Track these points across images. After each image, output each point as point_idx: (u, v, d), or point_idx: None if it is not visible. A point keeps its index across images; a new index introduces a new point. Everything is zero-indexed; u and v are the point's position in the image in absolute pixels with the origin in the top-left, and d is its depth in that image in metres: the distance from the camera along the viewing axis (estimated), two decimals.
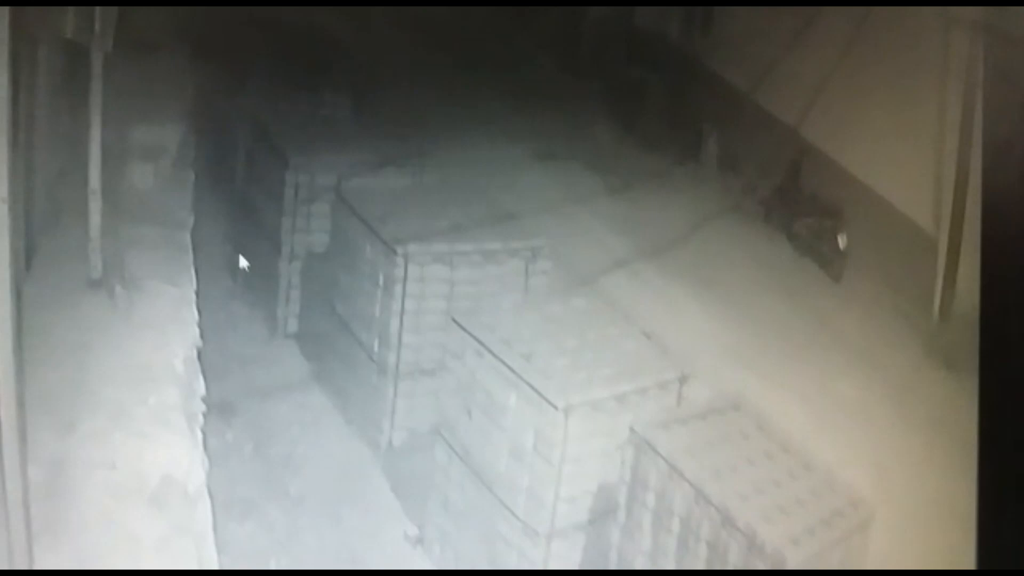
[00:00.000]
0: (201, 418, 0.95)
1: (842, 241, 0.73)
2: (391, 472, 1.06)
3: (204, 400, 0.96)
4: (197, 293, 0.96)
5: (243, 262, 1.04)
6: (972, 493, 0.68)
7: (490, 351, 1.01)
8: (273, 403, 1.06)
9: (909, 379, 0.69)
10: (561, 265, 0.83)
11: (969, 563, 0.68)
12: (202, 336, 0.96)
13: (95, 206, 0.96)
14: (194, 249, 1.01)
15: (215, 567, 0.81)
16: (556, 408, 0.92)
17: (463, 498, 1.01)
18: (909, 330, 0.70)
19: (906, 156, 0.71)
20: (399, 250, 1.07)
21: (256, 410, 1.02)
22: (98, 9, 0.83)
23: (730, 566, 0.81)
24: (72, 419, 0.87)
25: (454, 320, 1.05)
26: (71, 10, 0.85)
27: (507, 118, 0.83)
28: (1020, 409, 0.68)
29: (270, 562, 0.86)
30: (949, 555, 0.70)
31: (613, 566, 0.85)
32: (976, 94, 0.73)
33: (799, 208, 0.77)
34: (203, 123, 1.05)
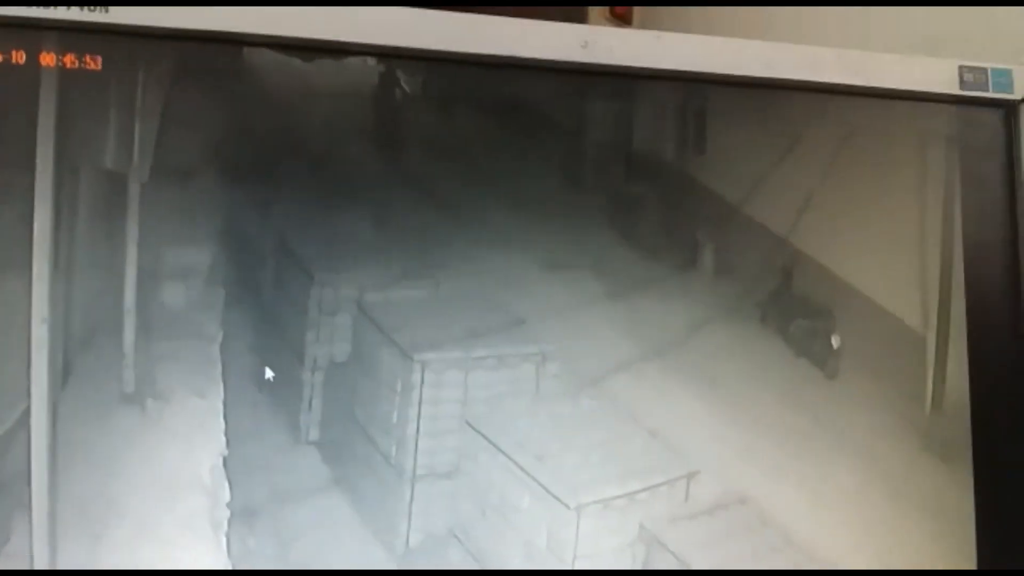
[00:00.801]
0: (225, 524, 0.98)
1: (835, 341, 0.76)
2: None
3: (228, 506, 1.00)
4: (224, 403, 1.01)
5: (268, 373, 1.08)
6: None
7: (503, 452, 1.05)
8: (294, 507, 1.09)
9: (906, 469, 0.71)
10: (569, 368, 0.87)
11: None
12: (228, 445, 1.00)
13: (129, 324, 1.02)
14: (222, 362, 1.06)
15: None
16: (568, 507, 0.95)
17: None
18: (903, 423, 0.72)
19: (892, 259, 0.74)
20: (416, 357, 1.12)
21: (278, 514, 1.05)
22: (136, 143, 0.92)
23: None
24: (100, 530, 0.90)
25: (468, 423, 1.09)
26: (111, 141, 0.93)
27: (515, 230, 0.87)
28: (1014, 494, 0.71)
29: None
30: None
31: None
32: (954, 200, 0.77)
33: (793, 310, 0.80)
34: (233, 243, 1.10)
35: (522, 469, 0.85)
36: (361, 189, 0.89)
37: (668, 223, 0.82)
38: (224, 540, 0.79)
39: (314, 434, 1.01)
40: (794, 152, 0.84)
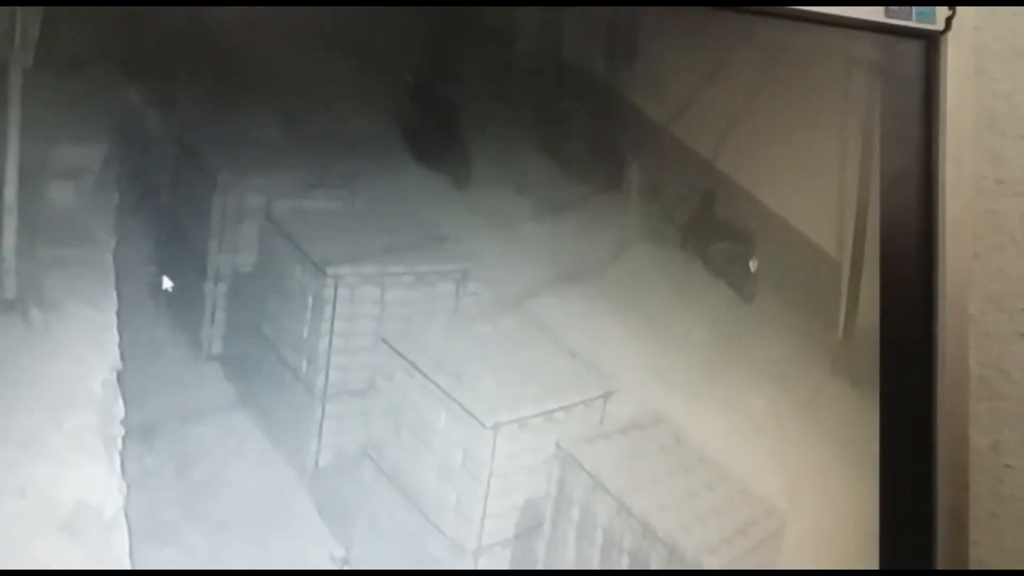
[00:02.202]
0: (120, 442, 0.96)
1: (753, 265, 0.79)
2: (317, 494, 1.08)
3: (123, 424, 0.98)
4: (118, 315, 0.98)
5: (167, 283, 1.05)
6: (875, 499, 0.77)
7: (420, 371, 1.06)
8: (195, 426, 1.07)
9: (816, 394, 0.76)
10: (490, 287, 0.88)
11: (872, 563, 0.77)
12: (122, 358, 0.97)
13: (10, 224, 0.97)
14: (116, 270, 1.02)
15: None
16: (485, 426, 0.97)
17: (390, 518, 1.05)
18: (816, 347, 0.76)
19: (812, 186, 0.78)
20: (329, 271, 1.12)
21: (178, 433, 1.04)
22: (18, 22, 0.86)
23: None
24: None
25: (384, 341, 1.09)
26: None
27: (438, 142, 0.87)
28: (918, 419, 0.77)
29: None
30: (854, 556, 0.78)
31: None
32: (875, 129, 0.81)
33: (713, 234, 0.84)
34: (129, 142, 1.06)
35: (439, 388, 0.86)
36: (273, 89, 0.87)
37: (595, 142, 0.83)
38: (118, 459, 0.78)
39: (217, 349, 1.00)
40: (721, 74, 0.86)
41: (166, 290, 1.01)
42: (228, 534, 0.84)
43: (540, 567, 0.79)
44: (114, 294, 0.86)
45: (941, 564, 0.66)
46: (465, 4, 0.75)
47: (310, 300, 0.93)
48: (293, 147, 0.96)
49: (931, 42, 0.75)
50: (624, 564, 0.76)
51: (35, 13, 0.80)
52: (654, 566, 0.75)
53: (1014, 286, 0.72)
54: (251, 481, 0.91)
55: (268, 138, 0.97)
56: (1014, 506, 0.70)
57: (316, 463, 0.94)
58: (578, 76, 0.87)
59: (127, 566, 0.75)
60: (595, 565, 0.77)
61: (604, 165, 0.85)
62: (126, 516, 0.76)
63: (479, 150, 0.89)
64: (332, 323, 0.91)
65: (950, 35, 0.71)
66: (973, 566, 0.65)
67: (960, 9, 0.71)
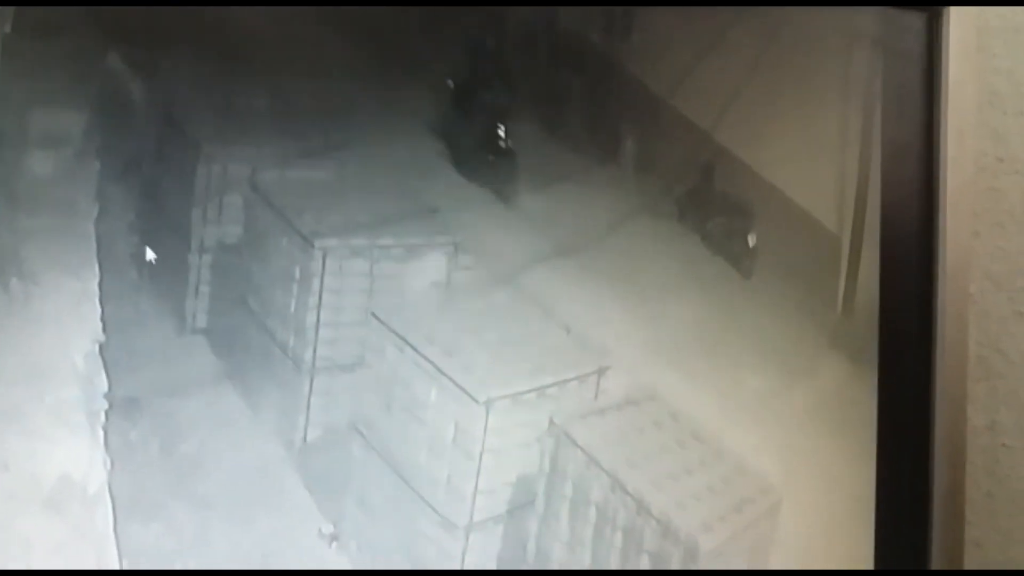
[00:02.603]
0: (103, 416, 0.95)
1: (752, 240, 0.79)
2: (305, 470, 1.08)
3: (106, 397, 0.97)
4: (100, 286, 0.97)
5: (150, 254, 1.04)
6: (871, 477, 0.77)
7: (411, 346, 1.05)
8: (181, 400, 1.06)
9: (814, 371, 0.77)
10: (483, 261, 0.87)
11: (868, 541, 0.77)
12: (105, 331, 0.96)
13: None
14: (98, 241, 1.00)
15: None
16: (477, 402, 0.97)
17: (380, 494, 1.05)
18: (814, 323, 0.77)
19: (812, 161, 0.78)
20: (317, 243, 1.10)
21: (163, 408, 1.03)
22: None
23: (644, 552, 0.88)
24: None
25: (374, 315, 1.08)
26: None
27: (429, 114, 0.85)
28: (915, 398, 0.77)
29: (176, 565, 0.88)
30: (850, 534, 0.79)
31: (531, 557, 0.91)
32: (875, 105, 0.81)
33: (712, 208, 0.83)
34: (110, 110, 1.04)
35: (431, 363, 0.86)
36: (259, 56, 0.85)
37: (592, 113, 0.83)
38: (101, 433, 0.78)
39: (202, 322, 0.99)
40: (722, 46, 0.86)
41: (149, 261, 1.00)
42: (214, 510, 0.84)
43: (532, 544, 0.79)
44: (96, 265, 0.85)
45: (937, 543, 0.66)
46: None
47: (297, 273, 0.92)
48: (280, 116, 0.95)
49: (933, 15, 0.75)
50: (617, 541, 0.76)
51: None
52: (647, 543, 0.76)
53: (1013, 265, 0.72)
54: (237, 456, 0.91)
55: (254, 107, 0.96)
56: (1010, 486, 0.71)
57: (304, 438, 0.94)
58: (576, 46, 0.86)
59: (111, 542, 0.74)
60: (588, 542, 0.77)
61: (601, 137, 0.84)
62: (110, 491, 0.75)
63: (472, 120, 0.88)
64: (320, 296, 0.91)
65: (952, 10, 0.71)
66: (968, 546, 0.65)
67: None
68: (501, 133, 0.84)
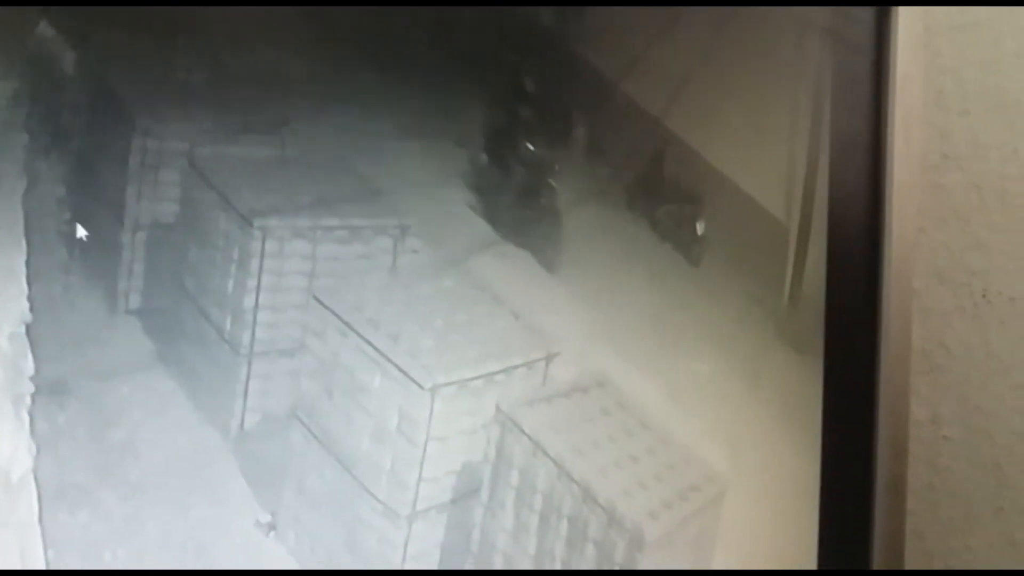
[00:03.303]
0: (29, 400, 0.92)
1: (700, 228, 0.80)
2: (242, 457, 1.06)
3: (33, 380, 0.93)
4: (27, 264, 0.93)
5: (81, 231, 1.01)
6: (816, 466, 0.79)
7: (355, 330, 1.04)
8: (112, 384, 1.04)
9: (760, 360, 0.78)
10: (430, 244, 0.86)
11: (811, 529, 0.79)
12: (32, 310, 0.93)
13: None
14: (25, 216, 0.97)
15: (40, 561, 0.81)
16: (423, 388, 0.96)
17: (320, 482, 1.04)
18: (761, 313, 0.78)
19: (761, 149, 0.79)
20: (256, 223, 1.08)
21: (92, 391, 1.00)
22: None
23: (590, 541, 0.89)
24: None
25: (316, 298, 1.07)
26: None
27: (375, 92, 0.84)
28: (860, 390, 0.79)
29: (105, 554, 0.86)
30: (794, 522, 0.81)
31: (476, 545, 0.91)
32: (825, 95, 0.83)
33: (661, 195, 0.84)
34: (40, 80, 1.00)
35: (374, 348, 0.85)
36: (199, 25, 0.83)
37: (541, 95, 0.83)
38: (27, 418, 0.76)
39: (135, 302, 0.97)
40: (674, 31, 0.86)
41: (80, 239, 0.98)
42: (146, 498, 0.83)
43: (477, 533, 0.79)
44: (23, 242, 0.82)
45: (879, 533, 0.68)
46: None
47: (236, 253, 0.90)
48: (219, 89, 0.93)
49: (883, 12, 0.77)
50: (563, 529, 0.77)
51: None
52: (593, 531, 0.77)
53: (957, 261, 0.74)
54: (171, 443, 0.89)
55: (193, 79, 0.94)
56: (950, 477, 0.74)
57: (241, 425, 0.92)
58: (524, 27, 0.85)
59: (36, 531, 0.73)
60: (533, 530, 0.78)
61: (551, 121, 0.84)
62: (35, 478, 0.74)
63: (417, 99, 0.87)
64: (259, 278, 0.89)
65: (901, 9, 0.73)
66: (909, 536, 0.68)
67: None
68: (548, 187, 0.81)
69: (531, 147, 0.77)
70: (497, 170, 0.81)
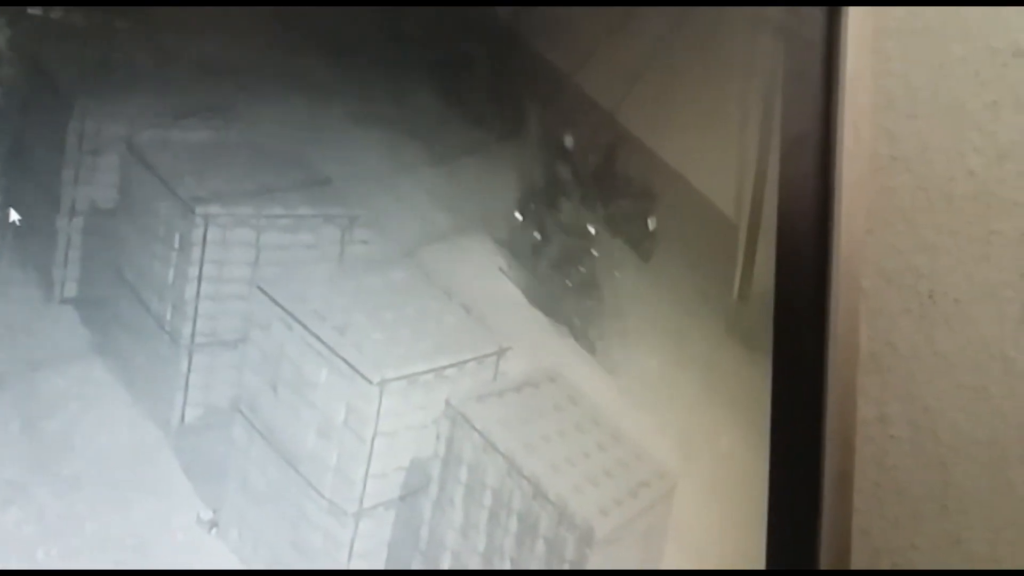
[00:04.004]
0: None
1: (652, 223, 0.80)
2: (183, 452, 1.03)
3: None
4: None
5: (14, 215, 0.97)
6: (765, 464, 0.80)
7: (300, 323, 1.02)
8: (46, 375, 1.00)
9: (711, 356, 0.79)
10: (380, 236, 0.85)
11: (760, 526, 0.81)
12: None
13: None
14: None
15: None
16: (371, 383, 0.95)
17: (264, 478, 1.02)
18: (711, 309, 0.79)
19: (712, 145, 0.79)
20: (198, 210, 1.05)
21: (26, 383, 0.97)
22: None
23: (540, 538, 0.89)
24: None
25: (260, 288, 1.04)
26: None
27: (324, 78, 0.81)
28: (808, 388, 0.81)
29: (38, 553, 0.83)
30: (743, 519, 0.82)
31: (424, 542, 0.91)
32: (776, 93, 0.84)
33: (614, 190, 0.84)
34: None
35: (321, 341, 0.84)
36: (141, 6, 0.81)
37: (495, 86, 0.82)
38: None
39: (71, 291, 0.94)
40: (628, 26, 0.86)
41: (14, 223, 0.95)
42: (82, 493, 0.81)
43: (425, 530, 0.79)
44: None
45: (826, 529, 0.70)
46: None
47: (177, 241, 0.88)
48: (161, 71, 0.91)
49: (834, 9, 0.78)
50: (513, 526, 0.77)
51: None
52: (543, 528, 0.77)
53: (904, 263, 0.76)
54: (108, 437, 0.87)
55: (134, 61, 0.91)
56: (896, 476, 0.75)
57: (182, 419, 0.90)
58: (478, 17, 0.85)
59: None
60: (483, 527, 0.78)
61: (504, 112, 0.83)
62: None
63: (368, 87, 0.86)
64: (201, 267, 0.87)
65: (851, 9, 0.74)
66: (856, 533, 0.69)
67: None
68: (589, 256, 0.77)
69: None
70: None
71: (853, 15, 0.76)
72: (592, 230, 0.79)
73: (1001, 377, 0.75)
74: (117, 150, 0.94)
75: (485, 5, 0.78)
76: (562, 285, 0.81)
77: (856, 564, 0.71)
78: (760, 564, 0.72)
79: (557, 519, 0.77)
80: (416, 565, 0.81)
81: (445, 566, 0.80)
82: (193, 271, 0.93)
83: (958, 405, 0.75)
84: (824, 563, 0.69)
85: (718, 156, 0.82)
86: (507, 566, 0.78)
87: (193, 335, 0.97)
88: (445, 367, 0.83)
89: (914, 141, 0.78)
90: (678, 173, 0.81)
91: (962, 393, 0.75)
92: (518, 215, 0.76)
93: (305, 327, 0.84)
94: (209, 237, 0.91)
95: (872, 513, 0.75)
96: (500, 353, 0.83)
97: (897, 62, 0.79)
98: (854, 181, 0.74)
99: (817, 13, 0.80)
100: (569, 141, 0.85)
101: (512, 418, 0.81)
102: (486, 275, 0.81)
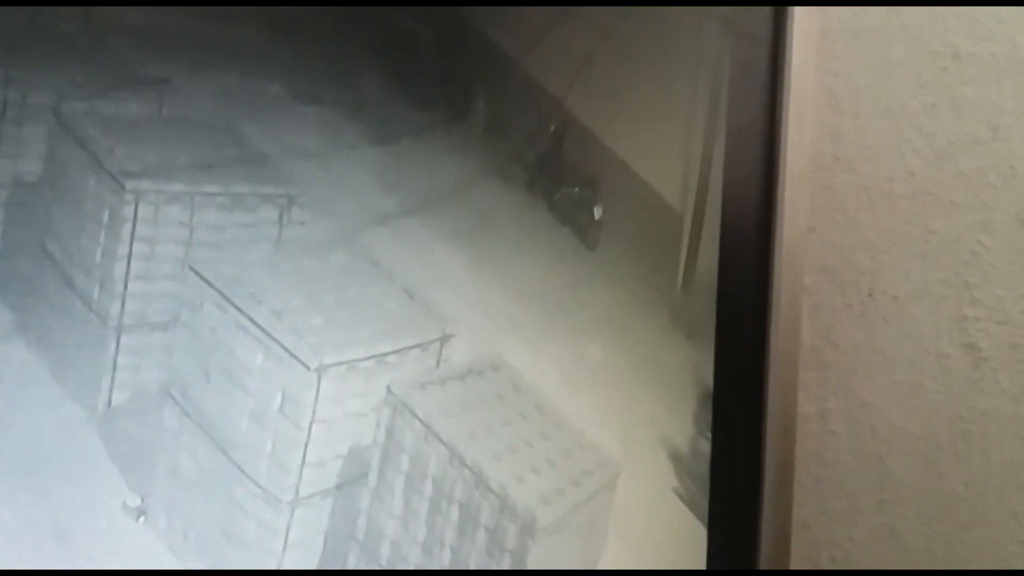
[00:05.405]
0: None
1: (598, 212, 0.80)
2: (109, 437, 0.99)
3: None
4: None
5: None
6: (706, 455, 0.81)
7: (234, 305, 0.99)
8: None
9: (654, 345, 0.79)
10: (319, 216, 0.82)
11: (701, 517, 0.81)
12: None
13: None
14: None
15: None
16: (308, 368, 0.92)
17: (195, 465, 0.99)
18: (654, 299, 0.79)
19: (659, 135, 0.79)
20: (128, 186, 1.01)
21: None
22: None
23: (482, 527, 0.88)
24: None
25: (192, 269, 1.01)
26: None
27: (264, 52, 0.78)
28: (749, 382, 0.81)
29: None
30: (684, 511, 0.82)
31: (362, 532, 0.89)
32: (723, 83, 0.84)
33: (561, 177, 0.83)
34: None
35: (256, 324, 0.82)
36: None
37: (442, 67, 0.80)
38: None
39: None
40: (576, 11, 0.85)
41: None
42: (2, 479, 0.77)
43: (363, 519, 0.78)
44: None
45: (766, 522, 0.71)
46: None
47: (105, 217, 0.85)
48: (92, 40, 0.87)
49: (779, 12, 0.78)
50: (454, 515, 0.76)
51: None
52: (485, 517, 0.76)
53: (846, 260, 0.78)
54: (30, 419, 0.84)
55: (61, 27, 0.87)
56: (836, 470, 0.77)
57: (109, 402, 0.87)
58: None
59: None
60: (423, 516, 0.77)
61: (451, 94, 0.82)
62: None
63: (309, 63, 0.83)
64: (131, 245, 0.84)
65: (796, 9, 0.75)
66: (795, 527, 0.70)
67: None
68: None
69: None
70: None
71: (799, 15, 0.77)
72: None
73: (936, 373, 0.77)
74: (43, 121, 0.90)
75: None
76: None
77: (796, 556, 0.73)
78: (701, 555, 0.73)
79: (499, 508, 0.77)
80: (354, 555, 0.80)
81: (384, 556, 0.79)
82: (123, 249, 0.89)
83: (895, 400, 0.77)
84: (764, 555, 0.70)
85: (665, 146, 0.82)
86: (448, 556, 0.77)
87: (122, 316, 0.94)
88: (387, 353, 0.82)
89: (856, 141, 0.79)
90: (625, 162, 0.81)
91: (899, 388, 0.77)
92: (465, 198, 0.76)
93: (240, 310, 0.81)
94: (140, 214, 0.88)
95: (812, 507, 0.77)
96: (444, 340, 0.82)
97: (842, 62, 0.80)
98: (797, 178, 0.75)
99: (765, 9, 0.80)
100: (516, 125, 0.84)
101: (455, 406, 0.81)
102: (430, 260, 0.80)
